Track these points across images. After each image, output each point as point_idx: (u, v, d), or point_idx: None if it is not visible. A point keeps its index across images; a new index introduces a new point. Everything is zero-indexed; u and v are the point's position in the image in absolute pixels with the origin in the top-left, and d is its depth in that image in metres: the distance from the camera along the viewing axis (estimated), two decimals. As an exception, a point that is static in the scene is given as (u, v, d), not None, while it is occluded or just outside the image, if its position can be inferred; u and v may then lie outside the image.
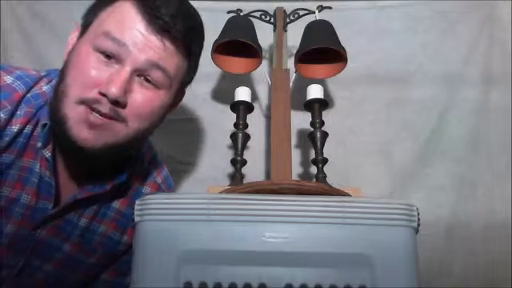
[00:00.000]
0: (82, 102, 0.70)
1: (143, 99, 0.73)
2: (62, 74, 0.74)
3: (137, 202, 0.65)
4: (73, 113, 0.71)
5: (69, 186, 0.81)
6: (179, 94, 0.83)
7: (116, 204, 0.86)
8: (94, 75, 0.70)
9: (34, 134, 0.76)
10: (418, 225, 0.64)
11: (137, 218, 0.64)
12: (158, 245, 0.62)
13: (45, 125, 0.74)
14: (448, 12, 1.32)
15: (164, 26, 0.72)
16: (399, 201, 0.64)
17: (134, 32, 0.71)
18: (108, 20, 0.73)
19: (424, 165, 1.28)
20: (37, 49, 1.31)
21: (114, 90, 0.69)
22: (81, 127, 0.71)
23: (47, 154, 0.75)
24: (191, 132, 1.33)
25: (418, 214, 0.64)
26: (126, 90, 0.71)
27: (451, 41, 1.31)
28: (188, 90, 1.30)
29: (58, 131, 0.73)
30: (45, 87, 0.78)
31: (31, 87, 0.77)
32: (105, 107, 0.70)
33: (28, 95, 0.76)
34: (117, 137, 0.73)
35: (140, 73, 0.72)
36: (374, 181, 1.26)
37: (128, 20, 0.72)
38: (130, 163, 0.83)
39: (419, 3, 1.33)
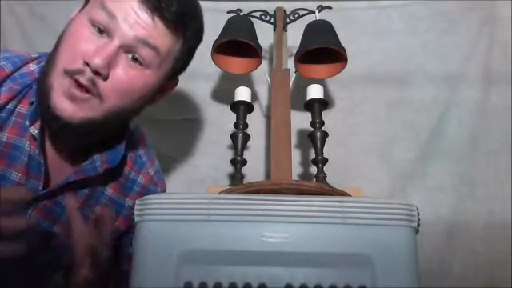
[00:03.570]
0: (67, 72, 0.71)
1: (125, 77, 0.73)
2: (56, 44, 0.75)
3: (137, 201, 0.65)
4: (57, 83, 0.72)
5: (59, 167, 0.82)
6: (170, 80, 0.83)
7: (108, 190, 0.87)
8: (83, 47, 0.72)
9: (19, 110, 0.76)
10: (418, 225, 0.64)
11: (137, 218, 0.64)
12: (158, 245, 0.61)
13: (32, 102, 0.75)
14: (448, 12, 1.32)
15: (157, 5, 0.72)
16: (399, 201, 0.64)
17: (126, 7, 0.72)
18: None
19: (424, 165, 1.28)
20: (37, 48, 1.30)
21: (97, 61, 0.70)
22: (63, 98, 0.72)
23: (34, 131, 0.76)
24: (191, 132, 1.33)
25: (418, 214, 0.64)
26: (110, 63, 0.71)
27: (451, 41, 1.31)
28: (188, 90, 1.32)
29: (41, 99, 0.74)
30: (33, 67, 0.79)
31: (19, 67, 0.78)
32: (85, 78, 0.71)
33: (15, 74, 0.77)
34: (93, 112, 0.73)
35: (128, 49, 0.73)
36: (374, 181, 1.27)
37: None
38: (121, 146, 0.84)
39: (419, 3, 1.33)
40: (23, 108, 0.77)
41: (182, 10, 0.74)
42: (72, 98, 0.72)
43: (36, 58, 0.81)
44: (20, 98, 0.77)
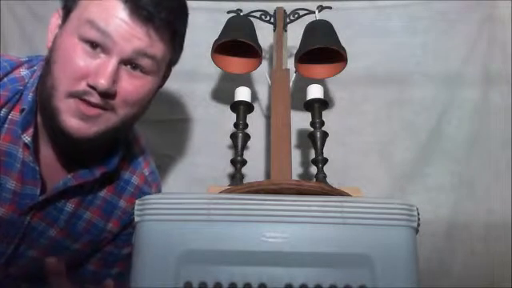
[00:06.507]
0: (72, 95, 0.71)
1: (131, 88, 0.73)
2: (48, 65, 0.73)
3: (137, 201, 0.65)
4: (64, 106, 0.71)
5: (54, 172, 0.81)
6: (166, 74, 0.83)
7: (102, 192, 0.86)
8: (81, 67, 0.70)
9: (11, 117, 0.76)
10: (418, 225, 0.64)
11: (137, 218, 0.64)
12: (158, 245, 0.62)
13: (23, 110, 0.74)
14: (448, 12, 1.32)
15: (148, 16, 0.71)
16: (399, 201, 0.64)
17: (117, 22, 0.70)
18: (90, 7, 0.72)
19: (424, 165, 1.28)
20: (37, 49, 1.30)
21: (102, 82, 0.69)
22: (73, 118, 0.71)
23: (26, 139, 0.75)
24: (191, 132, 1.33)
25: (418, 214, 0.64)
26: (114, 80, 0.71)
27: (451, 41, 1.31)
28: (188, 90, 1.32)
29: (50, 123, 0.74)
30: (23, 72, 0.78)
31: (9, 72, 0.77)
32: (95, 98, 0.71)
33: (5, 79, 0.76)
34: (107, 125, 0.74)
35: (128, 61, 0.73)
36: (373, 181, 1.26)
37: (110, 9, 0.71)
38: (118, 149, 0.83)
39: (419, 3, 1.33)
40: (15, 115, 0.76)
41: (170, 12, 0.74)
42: (83, 118, 0.72)
43: (26, 62, 0.79)
44: (12, 105, 0.76)
